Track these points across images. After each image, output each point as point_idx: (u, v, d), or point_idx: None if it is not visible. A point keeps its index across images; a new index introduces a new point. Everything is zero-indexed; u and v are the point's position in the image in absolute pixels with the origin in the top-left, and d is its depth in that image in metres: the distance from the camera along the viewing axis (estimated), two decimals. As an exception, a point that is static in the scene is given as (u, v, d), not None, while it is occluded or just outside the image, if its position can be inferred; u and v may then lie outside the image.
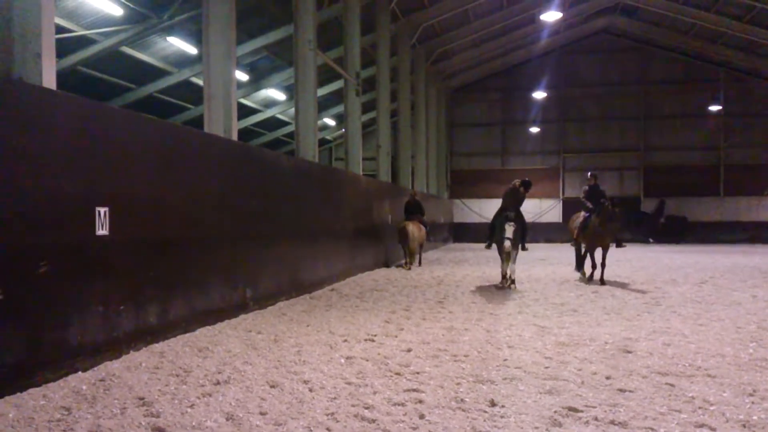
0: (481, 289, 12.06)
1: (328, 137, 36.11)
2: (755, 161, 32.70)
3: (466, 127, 35.86)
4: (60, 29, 15.04)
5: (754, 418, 4.41)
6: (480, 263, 18.82)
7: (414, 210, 18.04)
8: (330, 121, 33.03)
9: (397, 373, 5.62)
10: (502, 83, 35.19)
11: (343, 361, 6.12)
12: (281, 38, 19.59)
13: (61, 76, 7.43)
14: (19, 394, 4.90)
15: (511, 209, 11.96)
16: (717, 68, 32.69)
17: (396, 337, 7.34)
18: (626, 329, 7.79)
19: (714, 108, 32.79)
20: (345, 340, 7.11)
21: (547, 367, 5.84)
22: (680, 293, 11.30)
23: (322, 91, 24.85)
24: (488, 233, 12.74)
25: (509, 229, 11.54)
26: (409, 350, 6.59)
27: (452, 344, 6.89)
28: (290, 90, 24.53)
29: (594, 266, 13.19)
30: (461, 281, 13.69)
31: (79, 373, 5.53)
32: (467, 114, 35.75)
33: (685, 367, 5.88)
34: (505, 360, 6.13)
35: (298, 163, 12.52)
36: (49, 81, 6.79)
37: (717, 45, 29.92)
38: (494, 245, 12.61)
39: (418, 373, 5.65)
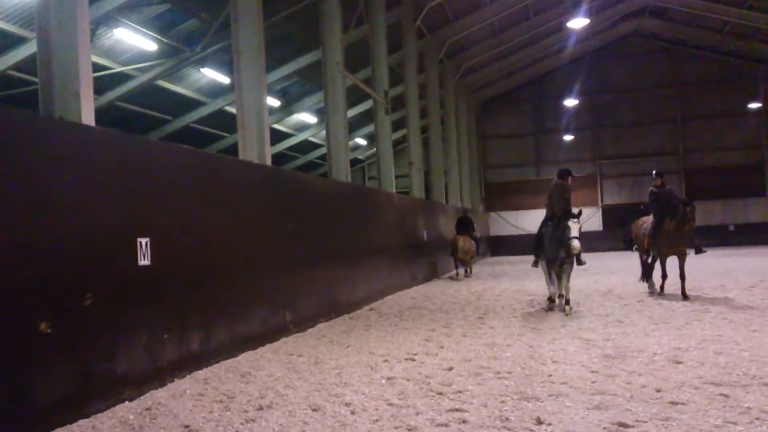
0: (522, 304, 11.89)
1: (360, 157, 36.31)
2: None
3: (498, 138, 35.66)
4: (98, 67, 15.51)
5: (815, 427, 4.23)
6: (519, 277, 18.59)
7: (465, 225, 19.85)
8: (361, 141, 33.23)
9: (440, 393, 5.56)
10: (533, 93, 34.96)
11: (384, 381, 6.09)
12: (310, 63, 19.84)
13: (100, 112, 7.66)
14: (69, 426, 4.99)
15: (565, 214, 10.17)
16: (755, 65, 31.94)
17: (437, 355, 7.27)
18: (675, 339, 7.57)
19: (754, 105, 31.98)
20: (385, 360, 7.07)
21: (593, 382, 5.70)
22: (730, 299, 10.96)
23: (352, 112, 25.01)
24: (534, 248, 11.07)
25: (574, 227, 9.79)
26: (450, 368, 6.52)
27: (495, 361, 6.79)
28: (321, 113, 24.76)
29: (665, 276, 11.90)
30: (500, 296, 13.53)
31: (126, 402, 5.61)
32: (498, 126, 35.56)
33: (739, 376, 5.66)
34: (550, 376, 6.01)
35: (332, 185, 12.60)
36: (88, 118, 7.00)
37: (753, 41, 29.24)
38: (543, 263, 10.98)
39: (460, 392, 5.57)
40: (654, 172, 12.73)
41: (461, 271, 19.66)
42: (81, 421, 5.09)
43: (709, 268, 18.12)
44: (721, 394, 5.10)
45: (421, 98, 22.29)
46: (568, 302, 10.28)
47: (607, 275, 17.37)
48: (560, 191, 10.46)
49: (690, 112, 33.17)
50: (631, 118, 33.90)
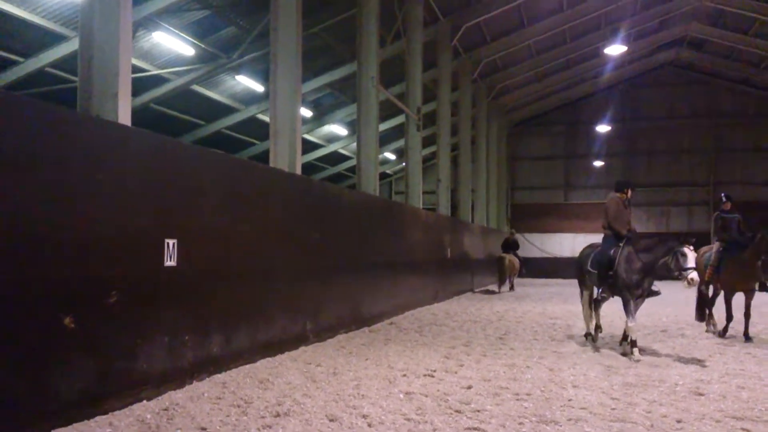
0: (544, 327, 11.76)
1: (388, 171, 36.39)
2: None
3: (528, 160, 35.47)
4: (135, 69, 15.81)
5: (843, 471, 4.11)
6: (542, 299, 18.40)
7: (511, 246, 23.01)
8: (390, 156, 33.32)
9: (458, 411, 5.52)
10: (565, 117, 34.76)
11: (402, 396, 6.06)
12: (345, 75, 20.00)
13: (135, 113, 7.78)
14: (86, 421, 5.04)
15: (628, 232, 8.91)
16: (791, 100, 31.42)
17: (456, 373, 7.23)
18: (697, 370, 7.45)
19: (788, 142, 31.41)
20: (404, 375, 7.05)
21: (614, 409, 5.61)
22: (755, 333, 10.72)
23: (383, 126, 25.12)
24: (596, 277, 9.14)
25: (690, 256, 8.03)
26: (469, 387, 6.47)
27: (514, 382, 6.73)
28: (352, 125, 24.96)
29: (730, 318, 10.46)
30: (522, 317, 13.40)
31: (144, 402, 5.66)
32: (529, 147, 35.39)
33: (761, 411, 5.56)
34: (570, 400, 5.93)
35: (359, 197, 12.65)
36: (125, 118, 7.14)
37: (790, 76, 28.80)
38: (587, 293, 9.77)
39: (478, 411, 5.53)
40: (723, 194, 11.38)
41: (504, 288, 21.86)
42: (98, 418, 5.14)
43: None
44: (743, 429, 5.02)
45: (453, 116, 22.30)
46: (634, 344, 8.47)
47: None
48: (620, 206, 9.13)
49: (723, 145, 32.67)
50: (663, 148, 33.48)
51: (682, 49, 30.12)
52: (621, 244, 8.80)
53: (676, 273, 8.15)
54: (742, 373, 7.28)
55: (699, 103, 32.94)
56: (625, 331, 8.88)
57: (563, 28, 23.11)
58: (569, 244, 33.37)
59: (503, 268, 21.30)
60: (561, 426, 5.09)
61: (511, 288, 22.38)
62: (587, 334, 9.72)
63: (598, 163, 34.10)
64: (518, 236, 26.89)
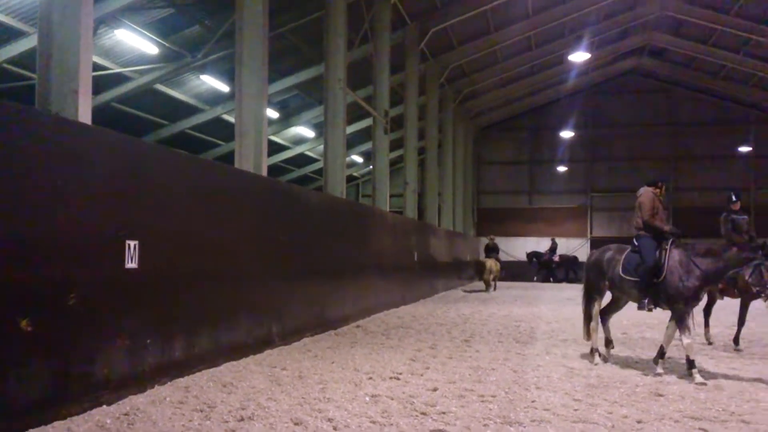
0: (509, 329, 11.86)
1: (356, 174, 36.38)
2: (788, 203, 32.05)
3: (493, 165, 35.87)
4: (97, 67, 15.51)
5: (796, 469, 4.23)
6: (507, 302, 18.58)
7: (492, 250, 25.01)
8: (358, 158, 33.32)
9: (423, 413, 5.52)
10: (530, 122, 35.25)
11: (368, 399, 6.04)
12: (312, 77, 19.94)
13: (97, 112, 7.64)
14: (43, 427, 4.89)
15: (672, 228, 7.89)
16: (747, 109, 32.37)
17: (422, 375, 7.23)
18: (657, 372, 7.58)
19: (744, 149, 32.37)
20: (370, 378, 7.02)
21: (576, 410, 5.68)
22: (713, 336, 10.97)
23: (350, 129, 25.10)
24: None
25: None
26: (435, 389, 6.48)
27: (479, 384, 6.77)
28: (319, 127, 24.86)
29: (742, 323, 9.92)
30: (487, 320, 13.50)
31: (104, 406, 5.52)
32: (495, 152, 35.78)
33: (718, 412, 5.69)
34: (534, 401, 5.99)
35: (326, 199, 12.60)
36: (85, 116, 6.99)
37: (747, 86, 29.67)
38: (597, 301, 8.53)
39: (444, 413, 5.54)
40: (733, 194, 10.30)
41: (491, 288, 23.77)
42: (56, 423, 5.00)
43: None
44: (701, 429, 5.13)
45: (420, 120, 22.42)
46: (692, 364, 7.23)
47: (594, 307, 17.36)
48: (655, 201, 8.14)
49: (682, 152, 33.51)
50: (625, 154, 34.21)
51: (643, 57, 30.83)
52: (667, 247, 7.60)
53: (756, 289, 7.38)
54: (700, 374, 7.43)
55: (659, 110, 33.75)
56: (660, 348, 7.71)
57: (528, 34, 23.44)
58: (533, 247, 33.79)
59: (483, 271, 23.70)
60: (525, 427, 5.13)
61: (494, 289, 24.05)
62: (593, 350, 8.38)
63: (561, 168, 34.69)
64: (483, 239, 27.79)
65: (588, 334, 8.49)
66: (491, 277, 23.67)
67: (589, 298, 8.51)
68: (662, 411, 5.68)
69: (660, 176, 8.58)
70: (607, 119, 34.20)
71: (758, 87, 29.41)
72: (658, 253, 7.59)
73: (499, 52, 24.87)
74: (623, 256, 7.98)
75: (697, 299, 7.48)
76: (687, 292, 7.31)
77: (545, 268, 31.72)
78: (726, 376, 7.39)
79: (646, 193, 8.19)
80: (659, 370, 7.45)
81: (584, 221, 34.64)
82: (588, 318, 8.48)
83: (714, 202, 32.67)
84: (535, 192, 35.35)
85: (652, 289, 7.55)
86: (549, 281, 31.31)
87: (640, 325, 12.62)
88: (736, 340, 9.83)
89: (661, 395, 6.32)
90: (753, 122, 32.52)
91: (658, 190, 8.24)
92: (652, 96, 33.77)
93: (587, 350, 9.29)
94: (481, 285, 25.08)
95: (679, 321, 7.40)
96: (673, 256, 7.48)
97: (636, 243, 7.93)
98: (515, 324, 12.75)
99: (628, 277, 7.82)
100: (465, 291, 24.10)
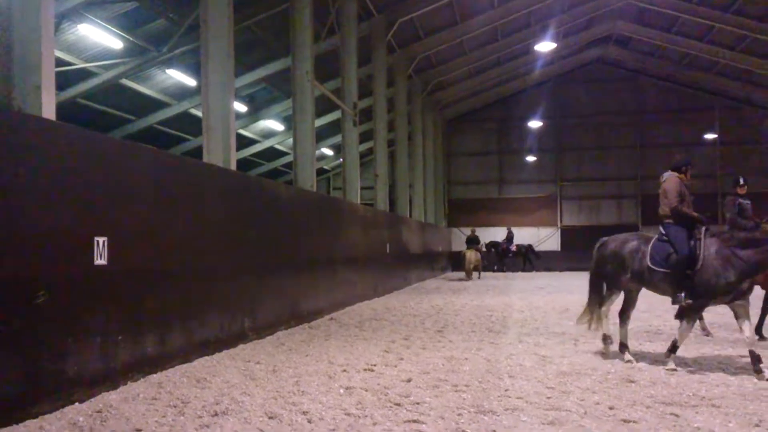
0: (481, 319, 11.97)
1: (326, 167, 36.25)
2: (752, 189, 32.74)
3: (463, 156, 36.05)
4: (60, 62, 15.18)
5: (760, 447, 4.35)
6: (479, 292, 18.74)
7: (473, 241, 26.69)
8: (328, 151, 33.20)
9: (397, 404, 5.55)
10: (498, 113, 35.48)
11: (342, 391, 6.05)
12: (279, 70, 19.79)
13: (62, 109, 7.49)
14: (15, 426, 4.84)
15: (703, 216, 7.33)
16: (712, 97, 33.00)
17: (396, 366, 7.27)
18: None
19: (709, 136, 33.03)
20: (344, 370, 7.04)
21: (549, 398, 5.76)
22: (671, 326, 11.20)
23: (320, 122, 25.00)
24: (607, 276, 7.80)
25: None
26: (409, 380, 6.52)
27: (453, 374, 6.82)
28: (288, 121, 24.72)
29: (766, 312, 9.23)
30: (460, 310, 13.61)
31: (76, 404, 5.46)
32: (464, 143, 35.97)
33: (689, 396, 5.81)
34: (507, 390, 6.06)
35: (296, 193, 12.54)
36: (49, 112, 6.84)
37: (711, 74, 30.24)
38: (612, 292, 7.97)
39: (418, 403, 5.58)
40: (741, 179, 9.96)
41: (474, 276, 25.88)
42: (28, 422, 4.94)
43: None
44: (672, 414, 5.22)
45: (389, 112, 22.41)
46: (759, 359, 6.67)
47: (565, 294, 17.62)
48: (682, 187, 7.56)
49: (649, 140, 34.06)
50: (593, 143, 34.67)
51: (609, 46, 31.21)
52: (701, 236, 7.09)
53: None
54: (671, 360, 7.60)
55: (625, 99, 34.23)
56: (674, 342, 7.24)
57: (495, 25, 23.56)
58: (503, 237, 34.08)
59: (464, 262, 25.45)
60: (498, 416, 5.19)
61: (479, 277, 26.03)
62: (606, 338, 7.91)
63: (530, 158, 35.01)
64: (456, 230, 27.91)
65: (592, 323, 8.01)
66: (472, 267, 25.22)
67: (599, 291, 7.98)
68: (634, 397, 5.78)
69: (685, 159, 7.87)
70: (575, 109, 34.59)
71: (722, 74, 30.00)
72: (692, 242, 7.05)
73: (466, 43, 24.96)
74: (650, 247, 7.35)
75: (730, 294, 6.80)
76: (720, 286, 6.76)
77: (502, 258, 31.33)
78: (696, 362, 7.55)
79: (671, 178, 7.62)
80: (671, 365, 7.08)
81: (554, 210, 35.04)
82: (594, 310, 7.97)
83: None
84: (504, 182, 35.63)
85: (687, 281, 6.99)
86: (502, 271, 31.10)
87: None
88: (758, 330, 8.94)
89: (632, 381, 6.43)
90: (717, 109, 33.16)
91: (683, 175, 7.67)
92: (619, 85, 34.23)
93: (560, 338, 9.44)
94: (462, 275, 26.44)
95: (688, 312, 7.07)
96: (709, 246, 6.95)
97: (664, 232, 7.37)
98: (488, 313, 12.87)
99: (658, 269, 7.20)
100: (449, 280, 25.55)
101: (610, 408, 5.39)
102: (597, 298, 8.00)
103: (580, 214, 34.71)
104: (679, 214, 7.31)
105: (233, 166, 10.34)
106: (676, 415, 5.17)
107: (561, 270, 31.58)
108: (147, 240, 6.83)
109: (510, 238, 31.23)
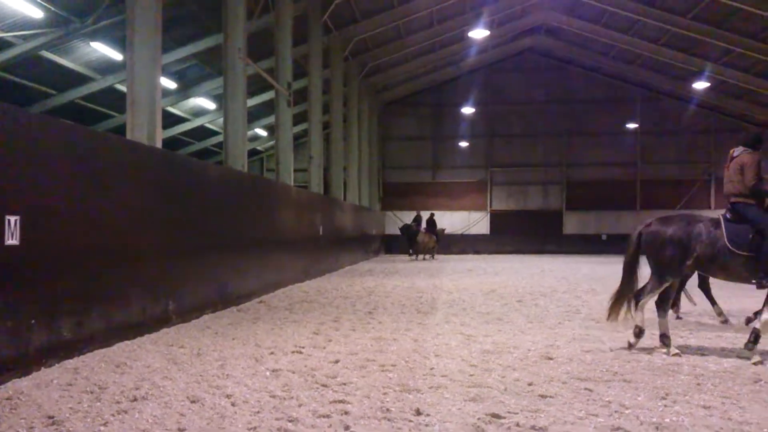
0: (411, 300, 12.11)
1: (260, 148, 35.68)
2: (669, 177, 34.36)
3: (398, 140, 36.23)
4: (-28, 30, 14.30)
5: (666, 420, 4.59)
6: (410, 274, 18.95)
7: (431, 224, 28.71)
8: (262, 132, 32.66)
9: (324, 385, 5.56)
10: (433, 98, 35.77)
11: (268, 374, 6.01)
12: (211, 47, 19.28)
13: (-29, 78, 7.05)
14: None
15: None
16: (635, 87, 34.27)
17: (324, 348, 7.27)
18: (548, 337, 8.00)
19: (631, 126, 34.34)
20: (272, 353, 6.99)
21: (471, 375, 5.91)
22: (599, 302, 11.68)
23: (253, 102, 24.55)
24: (664, 262, 6.99)
25: None
26: (336, 361, 6.54)
27: (380, 354, 6.88)
28: (220, 99, 24.13)
29: None
30: (391, 292, 13.73)
31: (-16, 391, 5.21)
32: (399, 128, 36.13)
33: (602, 372, 6.07)
34: (432, 369, 6.17)
35: (226, 173, 12.29)
36: (-44, 82, 6.44)
37: (634, 66, 31.39)
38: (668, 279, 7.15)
39: (344, 384, 5.60)
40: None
41: (426, 257, 28.48)
42: (-71, 410, 4.68)
43: (582, 273, 19.27)
44: (586, 389, 5.44)
45: (325, 93, 22.22)
46: (757, 339, 6.69)
47: (492, 276, 18.06)
48: (760, 166, 6.85)
49: (575, 128, 35.13)
50: (522, 130, 35.51)
51: (540, 36, 31.87)
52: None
53: None
54: (587, 338, 7.92)
55: (554, 88, 35.12)
56: (755, 331, 6.71)
57: (431, 10, 23.66)
58: (437, 221, 34.52)
59: (417, 242, 27.88)
60: (423, 394, 5.28)
61: (432, 257, 28.58)
62: (639, 332, 7.19)
63: (463, 144, 35.52)
64: (390, 214, 27.86)
65: (617, 314, 7.32)
66: (425, 248, 27.98)
67: (635, 278, 7.37)
68: (551, 373, 6.00)
69: (762, 134, 7.08)
70: (506, 96, 35.27)
71: (644, 66, 31.19)
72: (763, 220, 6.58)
73: (402, 27, 24.98)
74: (723, 230, 6.73)
75: None
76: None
77: (412, 241, 30.27)
78: (611, 339, 7.87)
79: (748, 155, 6.86)
80: (757, 357, 6.53)
81: (484, 195, 35.74)
82: (629, 300, 7.28)
83: (605, 176, 34.71)
84: (438, 167, 36.06)
85: (759, 264, 6.54)
86: (410, 254, 30.53)
87: (533, 293, 13.23)
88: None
89: (550, 359, 6.67)
90: (639, 100, 34.48)
91: (758, 153, 6.89)
92: (548, 74, 35.07)
93: (485, 318, 9.66)
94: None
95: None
96: None
97: (741, 212, 6.77)
98: (417, 295, 13.04)
99: (741, 252, 6.60)
100: (411, 259, 28.03)
101: (529, 384, 5.58)
102: (632, 286, 7.31)
103: (508, 199, 35.57)
104: (761, 193, 6.72)
105: (159, 144, 10.02)
106: (590, 390, 5.39)
107: (489, 252, 32.42)
108: (65, 219, 6.55)
109: (418, 220, 30.48)
